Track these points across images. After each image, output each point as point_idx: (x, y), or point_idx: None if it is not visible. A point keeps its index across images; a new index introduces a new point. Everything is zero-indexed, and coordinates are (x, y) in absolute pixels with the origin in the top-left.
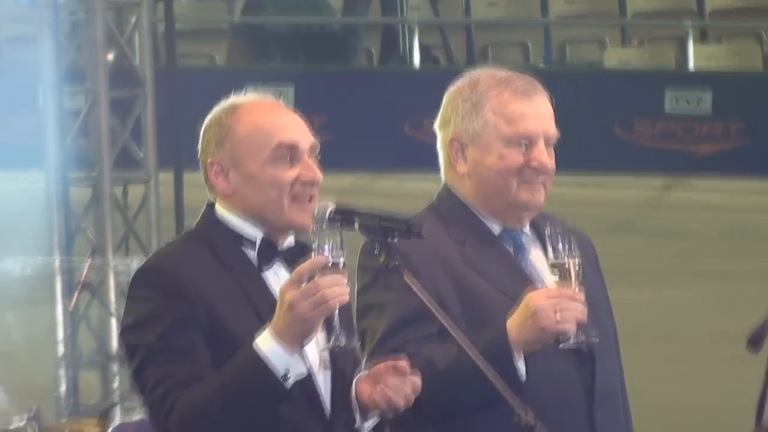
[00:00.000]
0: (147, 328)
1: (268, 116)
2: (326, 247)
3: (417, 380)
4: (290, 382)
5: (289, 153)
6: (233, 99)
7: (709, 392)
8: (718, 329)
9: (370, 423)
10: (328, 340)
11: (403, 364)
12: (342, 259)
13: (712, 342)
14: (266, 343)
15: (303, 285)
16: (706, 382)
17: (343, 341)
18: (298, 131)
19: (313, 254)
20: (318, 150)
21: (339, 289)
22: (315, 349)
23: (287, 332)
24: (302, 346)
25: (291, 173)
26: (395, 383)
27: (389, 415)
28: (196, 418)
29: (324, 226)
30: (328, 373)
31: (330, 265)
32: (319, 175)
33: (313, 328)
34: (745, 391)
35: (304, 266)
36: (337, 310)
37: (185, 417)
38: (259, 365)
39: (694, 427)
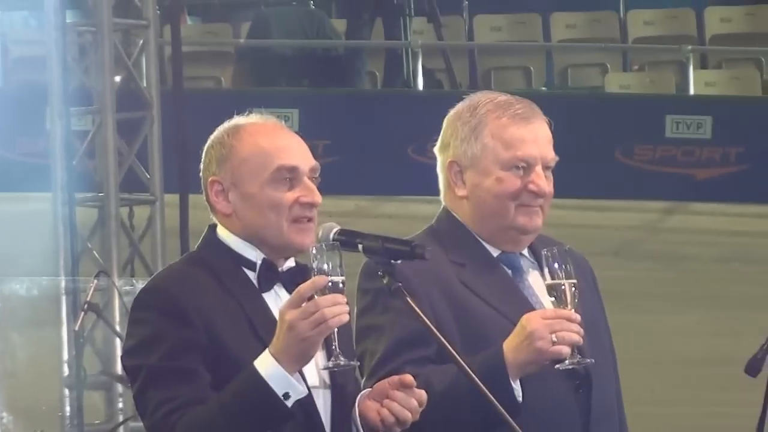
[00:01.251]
0: (148, 350)
1: (269, 138)
2: (326, 267)
3: (423, 393)
4: (291, 402)
5: (289, 175)
6: (236, 120)
7: (708, 416)
8: (717, 353)
9: None
10: (328, 359)
11: (409, 378)
12: (342, 278)
13: (711, 366)
14: (266, 364)
15: (303, 305)
16: (706, 405)
17: (342, 361)
18: (299, 154)
19: (312, 275)
20: (319, 172)
21: (338, 309)
22: (314, 369)
23: (287, 353)
24: (302, 366)
25: (290, 195)
26: (402, 397)
27: (395, 429)
28: None
29: (324, 247)
30: (328, 393)
31: (330, 285)
32: (318, 197)
33: (313, 348)
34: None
35: (304, 287)
36: (336, 330)
37: None
38: (260, 386)
39: None
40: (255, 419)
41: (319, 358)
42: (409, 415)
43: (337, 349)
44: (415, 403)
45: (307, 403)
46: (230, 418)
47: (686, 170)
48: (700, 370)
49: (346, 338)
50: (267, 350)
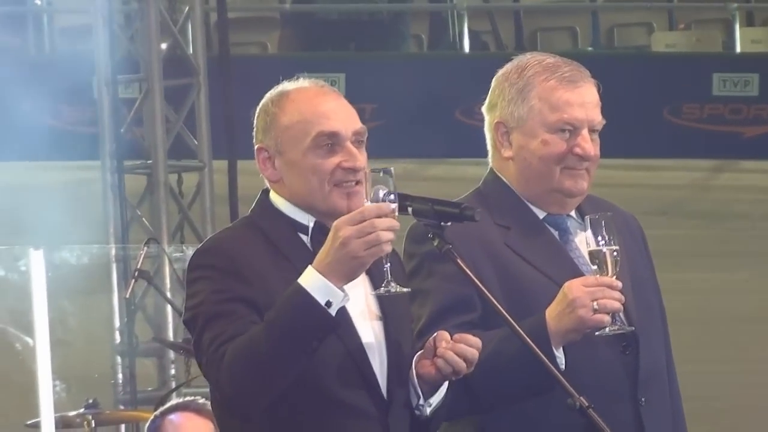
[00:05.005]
0: (206, 302)
1: (311, 104)
2: (380, 191)
3: (477, 341)
4: (334, 310)
5: (330, 141)
6: (281, 86)
7: (758, 373)
8: (766, 311)
9: (434, 402)
10: (375, 288)
11: (457, 336)
12: (395, 206)
13: (760, 323)
14: (310, 277)
15: (359, 225)
16: (755, 363)
17: (393, 288)
18: (341, 118)
19: (365, 195)
20: (365, 135)
21: (393, 235)
22: (369, 327)
23: (334, 268)
24: (345, 283)
25: (332, 161)
26: (455, 345)
27: (452, 378)
28: (245, 355)
29: (380, 173)
30: (384, 350)
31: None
32: (360, 161)
33: (361, 269)
34: None
35: (369, 208)
36: (388, 259)
37: (235, 356)
38: (302, 296)
39: (744, 408)
40: (298, 329)
41: (367, 292)
42: (462, 362)
43: (389, 276)
44: (470, 350)
45: (361, 360)
46: (274, 332)
47: (734, 128)
48: (749, 327)
49: (398, 269)
50: (310, 266)
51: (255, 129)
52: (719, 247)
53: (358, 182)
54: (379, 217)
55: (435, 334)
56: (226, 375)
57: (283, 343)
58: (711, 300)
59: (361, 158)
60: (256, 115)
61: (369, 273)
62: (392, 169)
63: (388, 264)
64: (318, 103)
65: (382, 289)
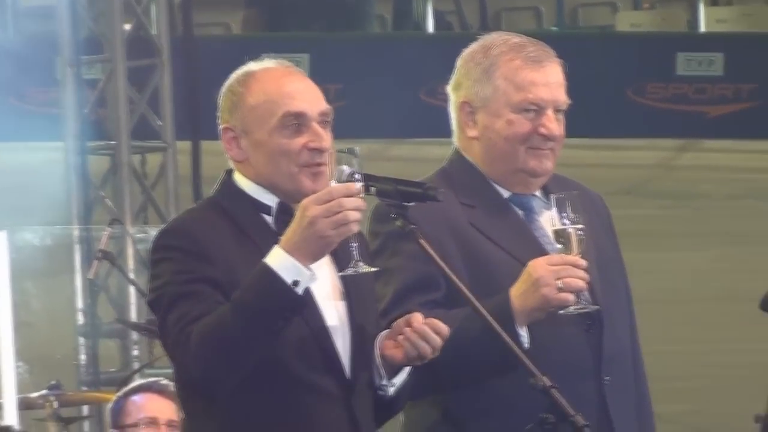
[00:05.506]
0: (170, 283)
1: (277, 84)
2: (345, 168)
3: (441, 325)
4: (300, 289)
5: (296, 121)
6: (247, 67)
7: (723, 352)
8: (732, 290)
9: (397, 382)
10: (340, 268)
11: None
12: (362, 185)
13: (726, 303)
14: (277, 256)
15: (327, 204)
16: (722, 342)
17: (361, 268)
18: (307, 99)
19: (331, 174)
20: (331, 116)
21: (360, 215)
22: (334, 309)
23: (301, 247)
24: (312, 263)
25: (298, 141)
26: (420, 328)
27: (417, 363)
28: (211, 336)
29: (345, 152)
30: (347, 332)
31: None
32: (327, 142)
33: (328, 248)
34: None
35: (337, 187)
36: (356, 241)
37: (201, 337)
38: (269, 275)
39: (709, 387)
40: (265, 309)
41: (332, 273)
42: (427, 347)
43: (357, 256)
44: (435, 338)
45: (325, 341)
46: (241, 312)
47: (698, 107)
48: (716, 307)
49: (364, 249)
50: (276, 246)
51: (220, 109)
52: (684, 226)
53: (321, 164)
54: (347, 197)
55: (408, 314)
56: (193, 356)
57: (250, 323)
58: (676, 280)
59: (327, 139)
60: (222, 95)
61: (333, 253)
62: (357, 149)
63: (356, 243)
64: (284, 84)
65: (350, 269)
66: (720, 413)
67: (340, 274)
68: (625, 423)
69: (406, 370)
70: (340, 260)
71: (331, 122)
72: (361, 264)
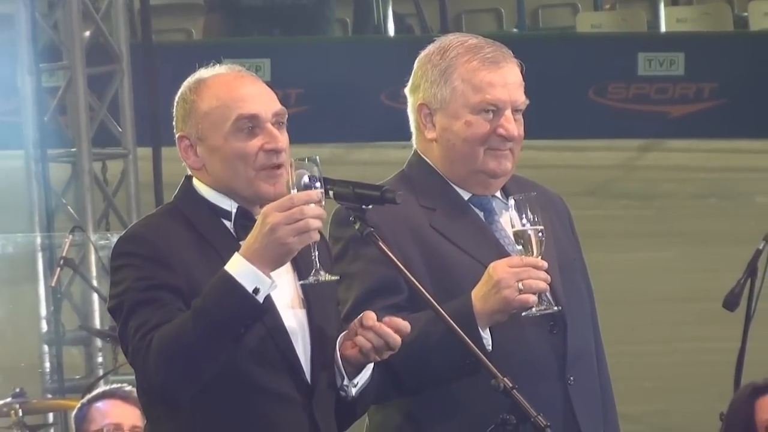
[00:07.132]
0: (130, 290)
1: (228, 89)
2: (305, 176)
3: (402, 322)
4: (261, 296)
5: (250, 124)
6: (198, 74)
7: (689, 352)
8: (695, 289)
9: (359, 382)
10: (301, 278)
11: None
12: (322, 192)
13: (690, 302)
14: (237, 264)
15: (288, 211)
16: (686, 341)
17: (323, 276)
18: (259, 101)
19: (291, 182)
20: (285, 116)
21: (320, 223)
22: (291, 313)
23: (262, 255)
24: (273, 270)
25: (254, 144)
26: (377, 326)
27: (376, 359)
28: (172, 343)
29: (312, 162)
30: (307, 335)
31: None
32: (282, 142)
33: (288, 255)
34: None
35: (298, 195)
36: (316, 246)
37: (161, 344)
38: (230, 283)
39: (674, 387)
40: (226, 317)
41: (293, 280)
42: (383, 343)
43: (318, 264)
44: (392, 335)
45: (284, 345)
46: (201, 320)
47: (660, 108)
48: (679, 307)
49: (325, 255)
50: (237, 253)
51: (175, 118)
52: (647, 226)
53: (278, 166)
54: (308, 204)
55: (361, 314)
56: (153, 363)
57: (210, 330)
58: (640, 280)
59: (282, 139)
60: (175, 103)
61: (294, 261)
62: (317, 157)
63: (317, 252)
64: (236, 87)
65: (311, 277)
66: (685, 412)
67: (301, 282)
68: (591, 423)
69: (368, 369)
70: (301, 267)
71: (286, 123)
72: (321, 273)
